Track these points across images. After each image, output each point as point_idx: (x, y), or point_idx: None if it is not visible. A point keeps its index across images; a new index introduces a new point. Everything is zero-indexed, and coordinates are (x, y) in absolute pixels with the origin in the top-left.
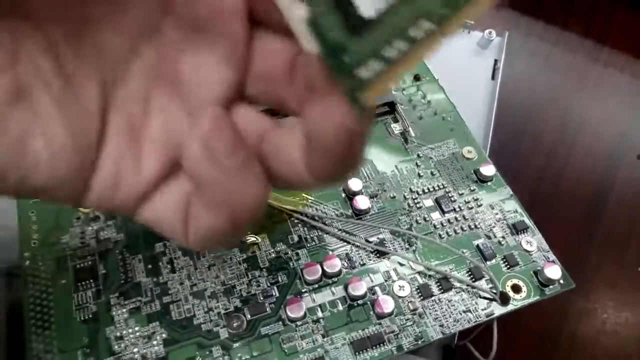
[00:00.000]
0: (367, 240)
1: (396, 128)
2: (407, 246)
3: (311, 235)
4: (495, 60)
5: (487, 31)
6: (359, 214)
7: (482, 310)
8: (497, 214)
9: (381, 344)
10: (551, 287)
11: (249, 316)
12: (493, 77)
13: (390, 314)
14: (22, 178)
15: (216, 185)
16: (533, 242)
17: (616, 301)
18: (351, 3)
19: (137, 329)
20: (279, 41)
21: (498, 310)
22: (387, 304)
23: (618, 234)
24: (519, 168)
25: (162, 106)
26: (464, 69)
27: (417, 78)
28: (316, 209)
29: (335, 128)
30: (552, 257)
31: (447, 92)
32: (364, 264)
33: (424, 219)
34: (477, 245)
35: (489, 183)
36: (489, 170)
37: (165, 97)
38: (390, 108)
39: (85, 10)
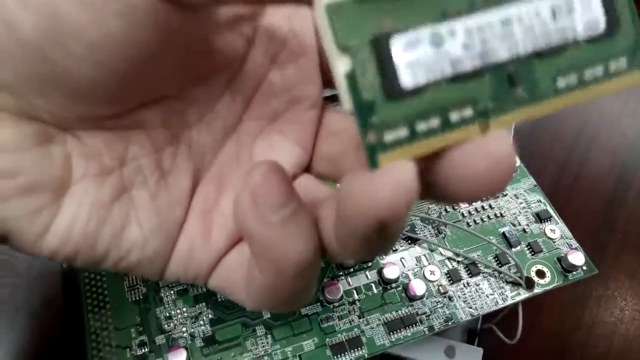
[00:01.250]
0: None
1: None
2: (437, 233)
3: None
4: None
5: None
6: None
7: (509, 294)
8: (521, 203)
9: (414, 325)
10: (574, 272)
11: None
12: None
13: (421, 297)
14: (119, 259)
15: (262, 239)
16: (556, 230)
17: (635, 290)
18: (395, 70)
19: (184, 309)
20: (343, 121)
21: (524, 294)
22: (419, 287)
23: (638, 226)
24: (540, 161)
25: (233, 185)
26: None
27: None
28: None
29: (365, 213)
30: (575, 244)
31: None
32: (395, 250)
33: (453, 207)
34: (503, 233)
35: (513, 173)
36: None
37: (236, 178)
38: None
39: (186, 117)
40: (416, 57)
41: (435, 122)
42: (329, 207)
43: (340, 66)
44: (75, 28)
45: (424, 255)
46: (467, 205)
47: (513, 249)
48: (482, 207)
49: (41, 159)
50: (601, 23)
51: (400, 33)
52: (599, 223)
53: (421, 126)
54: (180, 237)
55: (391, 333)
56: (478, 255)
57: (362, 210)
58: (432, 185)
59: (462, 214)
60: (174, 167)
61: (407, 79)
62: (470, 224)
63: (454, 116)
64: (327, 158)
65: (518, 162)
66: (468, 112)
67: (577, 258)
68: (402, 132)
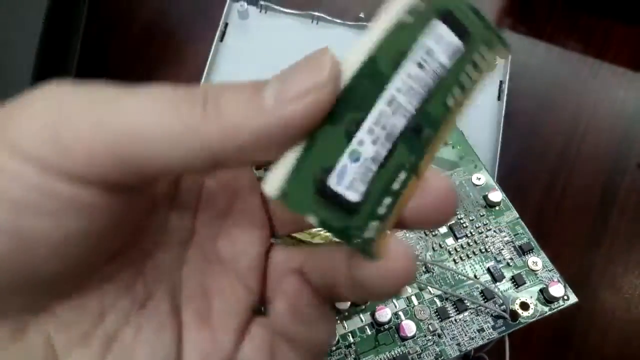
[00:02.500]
0: None
1: None
2: (425, 271)
3: None
4: (501, 82)
5: None
6: None
7: (495, 328)
8: (505, 236)
9: None
10: (556, 303)
11: None
12: (499, 98)
13: (412, 337)
14: None
15: (300, 332)
16: (538, 261)
17: (621, 300)
18: (337, 195)
19: None
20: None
21: (509, 327)
22: (409, 328)
23: (621, 242)
24: (526, 183)
25: (218, 287)
26: None
27: None
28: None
29: (386, 292)
30: (556, 275)
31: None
32: None
33: (440, 245)
34: (488, 268)
35: (496, 207)
36: (496, 196)
37: (217, 279)
38: None
39: (143, 248)
40: (349, 179)
41: (387, 200)
42: (329, 260)
43: (313, 220)
44: (40, 236)
45: (414, 294)
46: (453, 242)
47: (498, 283)
48: (468, 244)
49: (23, 354)
50: (455, 40)
51: (329, 173)
52: (585, 244)
53: (381, 210)
54: (185, 348)
55: None
56: (465, 292)
57: (383, 291)
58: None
59: (449, 252)
60: (149, 296)
61: (353, 196)
62: (457, 260)
63: (396, 185)
64: (286, 219)
65: (501, 197)
66: (402, 175)
67: (558, 290)
68: (374, 224)
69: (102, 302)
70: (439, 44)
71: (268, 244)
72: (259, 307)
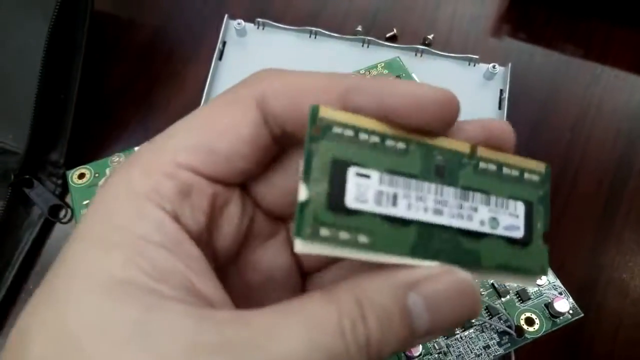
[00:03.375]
0: None
1: None
2: None
3: None
4: (501, 90)
5: (491, 65)
6: None
7: (500, 344)
8: None
9: None
10: (562, 317)
11: None
12: (500, 107)
13: (419, 356)
14: None
15: None
16: (543, 276)
17: (629, 307)
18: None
19: None
20: None
21: (514, 342)
22: (416, 349)
23: (625, 249)
24: None
25: None
26: (472, 101)
27: None
28: None
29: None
30: (561, 290)
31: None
32: None
33: None
34: (492, 283)
35: None
36: None
37: None
38: None
39: None
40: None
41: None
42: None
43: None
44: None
45: None
46: None
47: (502, 299)
48: None
49: None
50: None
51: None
52: (588, 250)
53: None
54: None
55: None
56: None
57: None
58: None
59: None
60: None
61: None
62: None
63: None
64: None
65: None
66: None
67: (563, 305)
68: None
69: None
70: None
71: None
72: None
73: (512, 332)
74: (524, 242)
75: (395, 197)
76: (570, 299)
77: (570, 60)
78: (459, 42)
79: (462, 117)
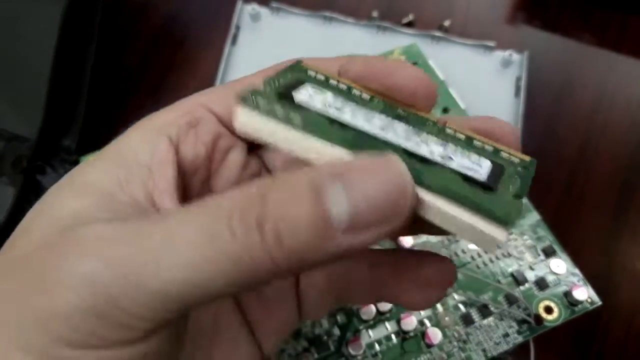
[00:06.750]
0: None
1: None
2: None
3: None
4: (517, 78)
5: (507, 52)
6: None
7: (519, 332)
8: (526, 239)
9: None
10: (580, 306)
11: (316, 355)
12: (517, 95)
13: (438, 344)
14: None
15: None
16: (561, 264)
17: None
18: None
19: None
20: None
21: (533, 331)
22: (435, 336)
23: None
24: (544, 182)
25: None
26: (488, 88)
27: (445, 110)
28: None
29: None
30: (579, 278)
31: (473, 112)
32: None
33: (462, 250)
34: (511, 273)
35: None
36: None
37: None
38: None
39: None
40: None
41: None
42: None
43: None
44: None
45: None
46: (476, 247)
47: (521, 287)
48: None
49: None
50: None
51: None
52: (604, 238)
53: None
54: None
55: None
56: (489, 297)
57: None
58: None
59: (472, 257)
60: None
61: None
62: (480, 265)
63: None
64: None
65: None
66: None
67: (581, 293)
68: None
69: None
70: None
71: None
72: None
73: (531, 320)
74: (485, 186)
75: (342, 108)
76: (590, 287)
77: (585, 48)
78: (475, 29)
79: (478, 104)
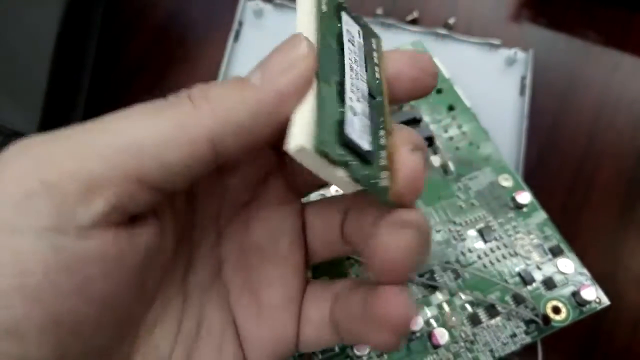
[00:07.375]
0: (419, 275)
1: (436, 161)
2: (456, 277)
3: (367, 275)
4: (522, 77)
5: (512, 50)
6: None
7: (527, 333)
8: (533, 239)
9: None
10: (588, 306)
11: (320, 356)
12: (522, 93)
13: (445, 344)
14: None
15: None
16: (569, 264)
17: None
18: (355, 144)
19: None
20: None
21: (541, 331)
22: (441, 336)
23: None
24: (550, 181)
25: (264, 278)
26: (493, 87)
27: (451, 108)
28: None
29: None
30: (587, 278)
31: (478, 111)
32: (417, 298)
33: (469, 250)
34: (518, 272)
35: (524, 209)
36: (524, 197)
37: (260, 269)
38: (430, 142)
39: (183, 275)
40: (358, 129)
41: (383, 153)
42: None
43: (338, 175)
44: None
45: (445, 301)
46: (482, 245)
47: (528, 287)
48: (497, 247)
49: None
50: (357, 26)
51: (343, 125)
52: (609, 236)
53: (382, 162)
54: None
55: None
56: (496, 297)
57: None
58: None
59: (479, 256)
60: (200, 316)
61: (365, 145)
62: (487, 264)
63: (382, 140)
64: (324, 251)
65: (529, 198)
66: (382, 132)
67: (590, 293)
68: (384, 173)
69: (156, 342)
70: (351, 27)
71: (301, 215)
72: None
73: (539, 320)
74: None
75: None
76: (598, 287)
77: (590, 47)
78: (480, 27)
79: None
